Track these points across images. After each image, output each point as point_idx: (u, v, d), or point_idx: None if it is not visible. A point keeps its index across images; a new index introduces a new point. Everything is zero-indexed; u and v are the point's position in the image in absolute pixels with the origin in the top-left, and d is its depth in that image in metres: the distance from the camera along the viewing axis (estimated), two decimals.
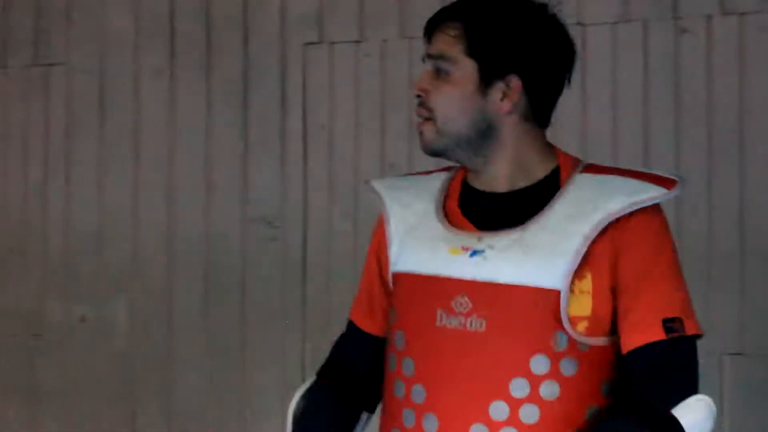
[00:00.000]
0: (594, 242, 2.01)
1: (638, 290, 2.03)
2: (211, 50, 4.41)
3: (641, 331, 2.02)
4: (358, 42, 4.19)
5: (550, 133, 2.25)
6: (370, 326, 2.31)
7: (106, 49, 4.58)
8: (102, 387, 4.51)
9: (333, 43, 4.23)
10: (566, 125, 3.89)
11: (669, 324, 2.03)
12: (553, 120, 2.24)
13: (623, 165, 3.73)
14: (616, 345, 2.05)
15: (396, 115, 4.10)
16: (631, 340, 2.03)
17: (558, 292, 1.99)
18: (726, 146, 3.73)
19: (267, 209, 4.28)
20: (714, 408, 2.03)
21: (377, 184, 2.29)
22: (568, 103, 3.82)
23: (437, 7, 4.00)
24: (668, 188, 2.06)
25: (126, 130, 4.53)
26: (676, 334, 2.03)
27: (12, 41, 4.73)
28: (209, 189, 4.38)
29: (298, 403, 2.29)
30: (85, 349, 4.55)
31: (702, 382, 3.43)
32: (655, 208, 2.07)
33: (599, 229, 2.01)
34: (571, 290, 2.00)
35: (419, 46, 4.01)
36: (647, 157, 3.80)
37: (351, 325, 2.35)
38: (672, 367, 2.04)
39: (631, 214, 2.03)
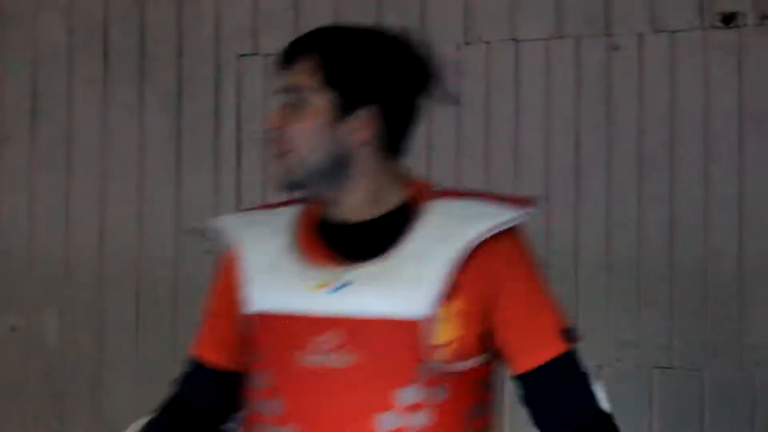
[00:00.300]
0: (460, 268, 2.00)
1: (526, 312, 2.05)
2: (145, 61, 4.39)
3: (544, 348, 2.03)
4: None
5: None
6: (218, 360, 2.23)
7: (38, 59, 4.55)
8: (31, 397, 4.48)
9: (267, 54, 4.22)
10: (499, 140, 3.93)
11: (567, 334, 2.06)
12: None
13: (556, 179, 3.83)
14: (482, 366, 2.06)
15: None
16: (533, 358, 2.03)
17: (424, 321, 1.98)
18: (657, 162, 3.78)
19: (200, 222, 4.26)
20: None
21: (222, 222, 2.25)
22: (501, 118, 3.92)
23: (372, 21, 4.04)
24: (524, 208, 2.06)
25: (58, 140, 4.50)
26: (575, 343, 2.06)
27: None
28: (142, 199, 4.36)
29: None
30: (15, 360, 4.51)
31: (632, 395, 3.49)
32: (516, 229, 2.06)
33: (464, 254, 2.00)
34: (438, 316, 1.98)
35: None
36: (578, 173, 3.84)
37: (196, 361, 2.28)
38: (580, 373, 2.07)
39: (496, 237, 2.02)
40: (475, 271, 2.01)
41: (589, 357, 3.71)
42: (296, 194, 2.14)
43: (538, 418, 2.06)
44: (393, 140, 2.10)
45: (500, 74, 3.94)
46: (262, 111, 4.20)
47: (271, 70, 4.11)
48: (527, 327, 2.04)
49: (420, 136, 3.91)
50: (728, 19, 3.73)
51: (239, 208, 4.20)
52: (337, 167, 2.06)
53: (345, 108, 2.05)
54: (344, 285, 2.01)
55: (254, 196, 4.17)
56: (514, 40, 3.91)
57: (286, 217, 2.17)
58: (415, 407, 1.98)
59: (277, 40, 4.13)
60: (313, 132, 2.04)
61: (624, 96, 3.82)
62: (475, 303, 2.01)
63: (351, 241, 2.08)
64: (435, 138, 4.00)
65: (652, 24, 3.80)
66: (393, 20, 4.04)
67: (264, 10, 4.23)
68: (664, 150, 3.77)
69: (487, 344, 2.05)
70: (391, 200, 2.09)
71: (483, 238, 2.00)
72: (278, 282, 2.09)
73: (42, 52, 4.55)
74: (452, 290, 1.99)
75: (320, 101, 2.05)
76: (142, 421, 2.27)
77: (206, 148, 4.28)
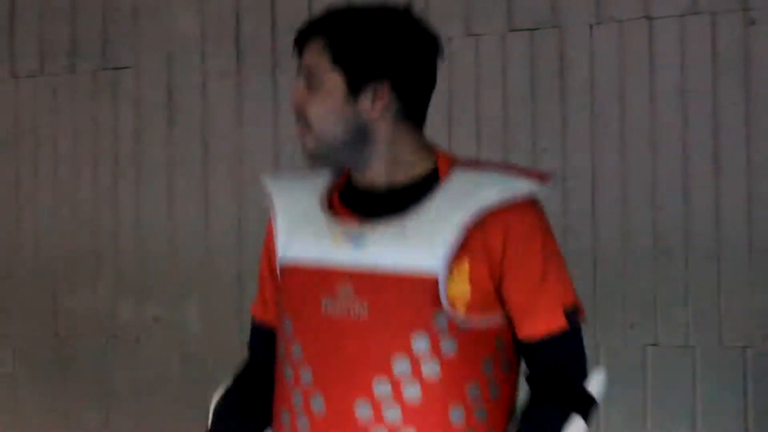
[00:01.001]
0: (472, 231, 2.11)
1: (533, 283, 2.15)
2: (277, 51, 4.43)
3: (545, 322, 2.16)
4: None
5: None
6: (268, 319, 2.39)
7: (173, 53, 4.62)
8: (175, 387, 4.56)
9: None
10: (634, 120, 3.89)
11: (570, 314, 2.17)
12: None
13: (694, 159, 3.78)
14: (495, 325, 2.16)
15: (463, 112, 4.12)
16: (534, 330, 2.16)
17: (436, 276, 2.09)
18: None
19: None
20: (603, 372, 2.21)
21: (267, 180, 2.39)
22: (636, 98, 3.86)
23: (503, 3, 4.02)
24: (542, 182, 2.17)
25: (194, 133, 4.57)
26: (577, 325, 2.18)
27: (80, 46, 4.79)
28: None
29: (217, 405, 2.40)
30: (159, 350, 4.60)
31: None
32: (530, 202, 2.17)
33: (476, 218, 2.10)
34: (450, 274, 2.09)
35: (484, 42, 4.07)
36: (717, 151, 3.78)
37: (253, 321, 2.46)
38: (575, 352, 2.19)
39: (509, 207, 2.13)
40: (486, 236, 2.12)
41: (732, 338, 3.70)
42: (325, 166, 2.28)
43: (530, 381, 2.21)
44: (409, 110, 2.21)
45: (634, 54, 3.89)
46: None
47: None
48: (532, 298, 2.16)
49: (554, 119, 3.95)
50: None
51: None
52: (356, 140, 2.19)
53: (356, 85, 2.17)
54: (363, 240, 2.14)
55: None
56: (648, 17, 3.86)
57: (319, 179, 2.32)
58: (427, 356, 2.10)
59: None
60: (327, 110, 2.18)
61: (763, 71, 3.74)
62: (485, 265, 2.12)
63: (374, 206, 2.21)
64: (569, 123, 3.97)
65: None
66: (522, 3, 4.04)
67: None
68: None
69: (502, 306, 2.17)
70: (416, 169, 2.21)
71: (495, 205, 2.12)
72: (303, 235, 2.24)
73: (176, 46, 4.62)
74: (462, 252, 2.11)
75: (331, 80, 2.18)
76: (221, 390, 2.43)
77: None
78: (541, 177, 2.18)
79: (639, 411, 3.86)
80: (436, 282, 2.09)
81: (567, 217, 3.95)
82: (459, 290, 2.10)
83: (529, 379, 2.21)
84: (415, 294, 2.09)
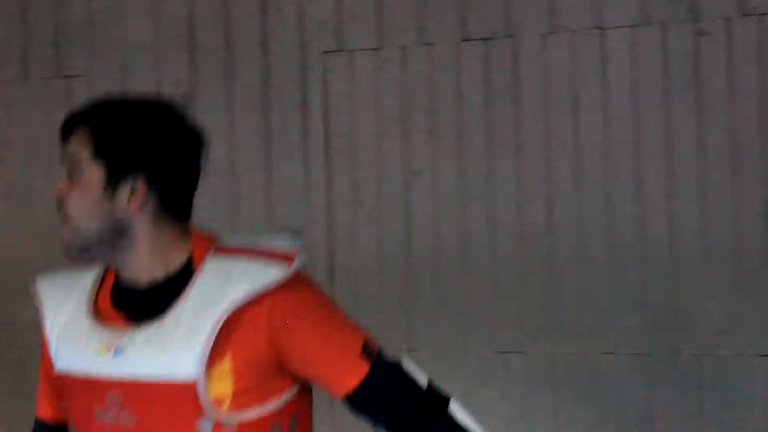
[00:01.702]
0: (231, 324, 2.09)
1: (324, 349, 2.15)
2: (232, 60, 4.43)
3: (353, 376, 2.14)
4: (376, 49, 4.21)
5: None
6: (55, 416, 2.37)
7: (126, 61, 4.60)
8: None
9: (352, 50, 4.24)
10: (588, 130, 3.92)
11: (366, 352, 2.15)
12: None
13: (647, 168, 3.80)
14: (268, 413, 2.14)
15: (417, 121, 4.13)
16: (347, 387, 2.14)
17: (194, 381, 2.07)
18: (750, 147, 3.75)
19: (292, 218, 4.29)
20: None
21: (38, 283, 2.35)
22: (589, 108, 3.89)
23: (456, 13, 4.05)
24: (290, 263, 2.14)
25: None
26: (376, 358, 2.16)
27: (33, 53, 4.75)
28: (233, 198, 4.40)
29: None
30: None
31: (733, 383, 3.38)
32: (289, 280, 2.14)
33: (225, 316, 2.08)
34: (210, 375, 2.08)
35: (438, 51, 4.11)
36: (670, 160, 3.82)
37: (38, 422, 2.41)
38: (392, 374, 2.17)
39: (265, 293, 2.11)
40: (246, 328, 2.10)
41: (688, 345, 3.73)
42: (83, 260, 2.22)
43: (381, 425, 2.18)
44: (168, 205, 2.18)
45: (586, 63, 3.93)
46: (349, 107, 4.23)
47: (357, 65, 4.21)
48: (330, 363, 2.15)
49: (508, 132, 3.97)
50: None
51: (330, 205, 4.23)
52: (113, 236, 2.15)
53: (114, 179, 2.13)
54: (123, 348, 2.12)
55: (344, 190, 4.21)
56: (600, 28, 3.89)
57: (87, 278, 2.29)
58: None
59: (361, 36, 4.21)
60: (85, 205, 2.14)
61: (713, 82, 3.79)
62: (250, 358, 2.11)
63: (137, 303, 2.19)
64: (523, 132, 4.00)
65: (739, 7, 3.76)
66: (476, 13, 4.06)
67: (347, 6, 4.25)
68: (757, 134, 3.74)
69: (277, 391, 2.15)
70: (176, 261, 2.19)
71: (243, 302, 2.09)
72: (69, 344, 2.21)
73: (129, 54, 4.60)
74: (221, 349, 2.09)
75: (92, 172, 2.14)
76: None
77: (295, 146, 4.30)
78: (288, 258, 2.14)
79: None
80: (195, 387, 2.07)
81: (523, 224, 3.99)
82: (221, 389, 2.09)
83: (378, 423, 2.20)
84: (177, 401, 2.09)
